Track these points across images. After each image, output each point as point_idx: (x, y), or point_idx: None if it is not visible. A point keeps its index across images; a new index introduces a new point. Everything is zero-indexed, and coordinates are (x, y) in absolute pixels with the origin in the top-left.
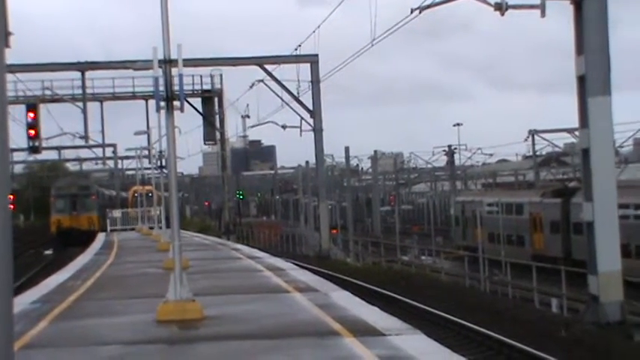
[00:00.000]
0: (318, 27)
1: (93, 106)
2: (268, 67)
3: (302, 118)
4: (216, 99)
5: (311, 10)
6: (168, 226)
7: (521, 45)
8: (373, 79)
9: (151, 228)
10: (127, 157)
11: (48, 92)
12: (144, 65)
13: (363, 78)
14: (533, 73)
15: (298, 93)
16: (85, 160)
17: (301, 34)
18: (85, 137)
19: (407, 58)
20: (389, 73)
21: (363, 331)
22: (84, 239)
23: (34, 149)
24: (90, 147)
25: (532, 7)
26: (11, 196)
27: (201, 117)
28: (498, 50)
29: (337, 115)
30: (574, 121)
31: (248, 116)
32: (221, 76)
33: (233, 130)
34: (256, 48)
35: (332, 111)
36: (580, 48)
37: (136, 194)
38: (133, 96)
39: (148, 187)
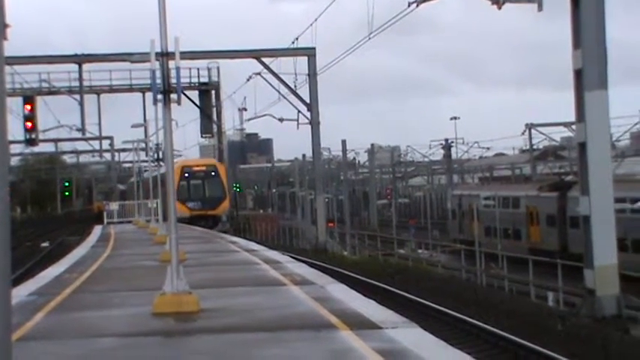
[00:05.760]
0: (315, 20)
1: (90, 99)
2: (265, 60)
3: (299, 111)
4: (213, 92)
5: (281, 6)
6: (165, 218)
7: (490, 41)
8: (351, 74)
9: (148, 221)
10: (124, 150)
11: (45, 85)
12: (141, 58)
13: (342, 73)
14: (509, 69)
15: (295, 86)
16: (82, 152)
17: (273, 29)
18: (82, 130)
19: (380, 54)
20: (366, 68)
21: (359, 324)
22: None
23: (30, 141)
24: (87, 139)
25: (529, 0)
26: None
27: (198, 110)
28: (469, 46)
29: (324, 109)
30: (555, 116)
31: (245, 109)
32: (218, 69)
33: (230, 123)
34: (217, 42)
35: (322, 105)
36: (577, 42)
37: (186, 173)
38: (130, 89)
39: (207, 161)
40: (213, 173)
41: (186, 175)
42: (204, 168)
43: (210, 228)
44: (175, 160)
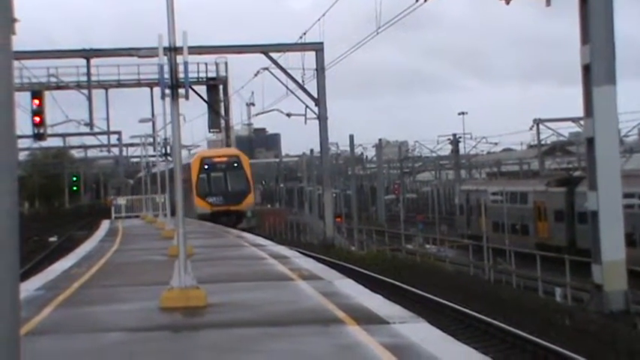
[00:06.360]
0: (323, 15)
1: (98, 94)
2: (273, 55)
3: (307, 106)
4: (221, 87)
5: (288, 1)
6: (173, 213)
7: (496, 36)
8: (359, 69)
9: (156, 216)
10: (132, 145)
11: (53, 79)
12: (149, 53)
13: (349, 68)
14: (515, 64)
15: (303, 81)
16: (90, 147)
17: (281, 25)
18: (90, 124)
19: (388, 49)
20: (373, 63)
21: (366, 319)
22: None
23: (38, 136)
24: (95, 134)
25: None
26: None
27: (206, 105)
28: (475, 42)
29: (332, 104)
30: (561, 111)
31: (253, 104)
32: (226, 63)
33: (238, 118)
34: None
35: (330, 100)
36: (585, 37)
37: (206, 165)
38: (138, 83)
39: (229, 151)
40: (235, 164)
41: (207, 167)
42: (225, 159)
43: (234, 225)
44: (193, 152)
